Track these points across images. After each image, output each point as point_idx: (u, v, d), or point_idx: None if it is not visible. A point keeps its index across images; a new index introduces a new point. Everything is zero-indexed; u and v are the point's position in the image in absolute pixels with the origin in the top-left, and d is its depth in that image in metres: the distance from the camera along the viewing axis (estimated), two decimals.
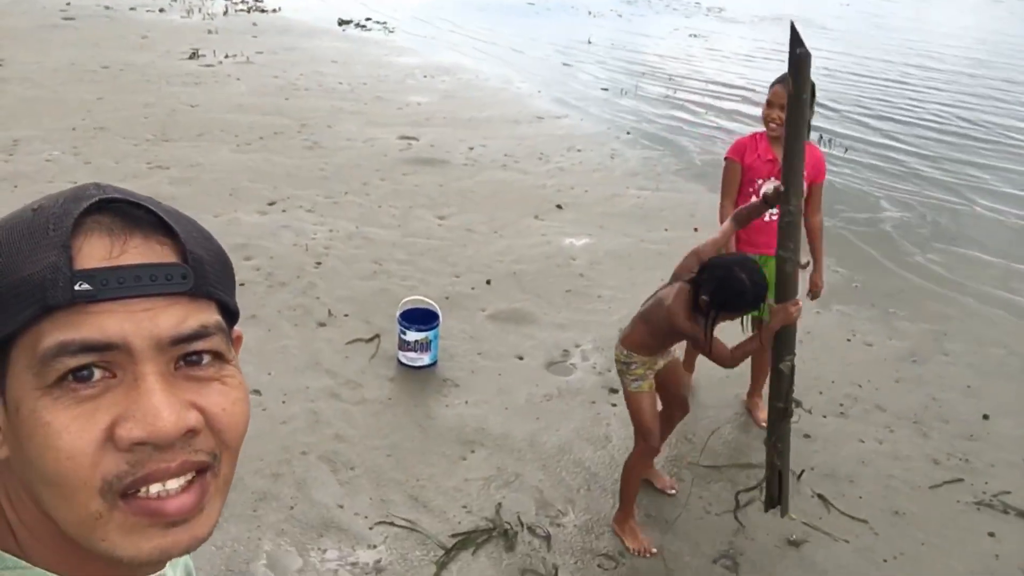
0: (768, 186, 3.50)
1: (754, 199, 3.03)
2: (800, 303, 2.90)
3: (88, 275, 0.58)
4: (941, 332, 4.96)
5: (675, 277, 3.02)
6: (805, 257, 2.91)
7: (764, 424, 3.78)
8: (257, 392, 3.89)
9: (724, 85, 11.15)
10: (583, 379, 4.21)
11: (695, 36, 15.40)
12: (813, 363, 4.49)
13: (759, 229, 3.61)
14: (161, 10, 14.30)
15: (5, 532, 0.65)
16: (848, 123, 9.51)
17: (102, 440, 0.58)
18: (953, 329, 5.01)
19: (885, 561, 3.17)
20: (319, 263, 5.27)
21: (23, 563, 0.64)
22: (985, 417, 4.13)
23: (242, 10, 14.91)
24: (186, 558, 0.81)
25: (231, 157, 7.22)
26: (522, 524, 3.22)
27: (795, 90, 2.60)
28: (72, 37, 11.73)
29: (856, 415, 4.11)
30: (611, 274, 5.39)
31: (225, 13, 14.42)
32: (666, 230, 6.17)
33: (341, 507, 3.25)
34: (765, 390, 4.02)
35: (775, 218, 3.56)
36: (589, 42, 14.21)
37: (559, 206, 6.56)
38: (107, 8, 14.01)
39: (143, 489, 0.60)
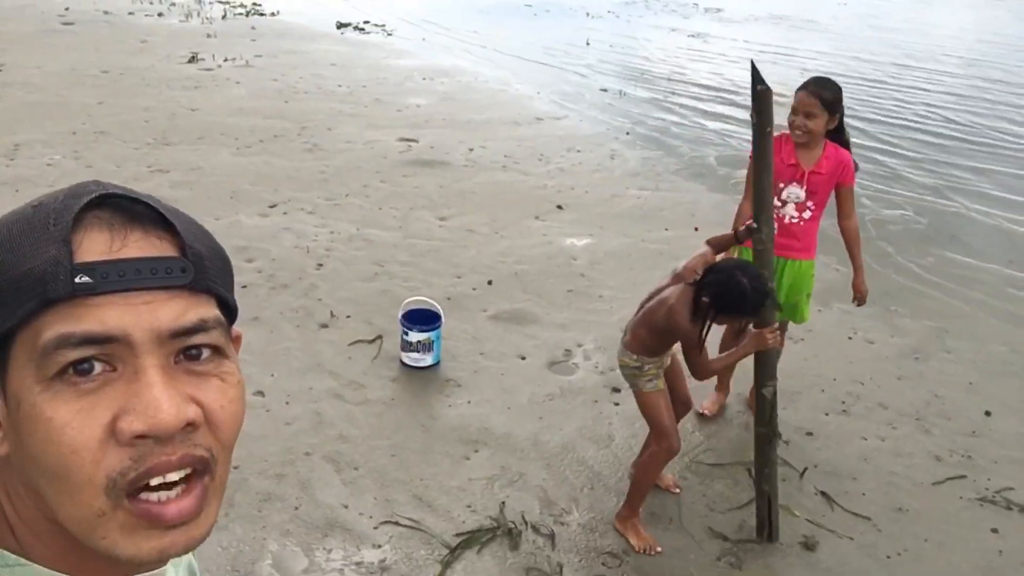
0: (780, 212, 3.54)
1: (747, 224, 3.02)
2: (776, 331, 2.98)
3: (88, 268, 0.58)
4: (943, 329, 4.97)
5: (675, 273, 3.06)
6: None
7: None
8: (260, 394, 3.90)
9: (722, 87, 11.18)
10: (585, 378, 4.22)
11: (693, 37, 15.43)
12: (815, 361, 4.50)
13: (779, 232, 3.49)
14: (160, 15, 14.32)
15: (4, 530, 0.65)
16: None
17: (105, 436, 0.59)
18: (955, 327, 5.02)
19: (888, 558, 3.18)
20: (320, 265, 5.28)
21: (23, 560, 0.64)
22: (987, 414, 4.14)
23: (240, 14, 14.94)
24: (189, 557, 0.81)
25: (231, 160, 7.23)
26: (526, 523, 3.23)
27: (760, 124, 2.72)
28: (72, 42, 11.74)
29: (858, 412, 4.12)
30: (612, 274, 5.40)
31: (224, 17, 14.44)
32: (666, 230, 6.18)
33: (345, 507, 3.25)
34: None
35: (795, 220, 3.58)
36: (587, 43, 14.23)
37: (559, 207, 6.57)
38: (106, 13, 14.03)
39: (145, 491, 0.61)
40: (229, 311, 0.68)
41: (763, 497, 3.18)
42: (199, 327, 0.63)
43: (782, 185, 3.58)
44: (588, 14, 17.57)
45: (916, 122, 9.92)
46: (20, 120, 7.94)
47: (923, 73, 12.93)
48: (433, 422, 3.82)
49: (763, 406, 3.11)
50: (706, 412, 3.96)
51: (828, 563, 3.14)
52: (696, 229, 6.04)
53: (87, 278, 0.58)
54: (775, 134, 3.71)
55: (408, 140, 8.06)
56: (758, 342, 2.97)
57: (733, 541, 3.21)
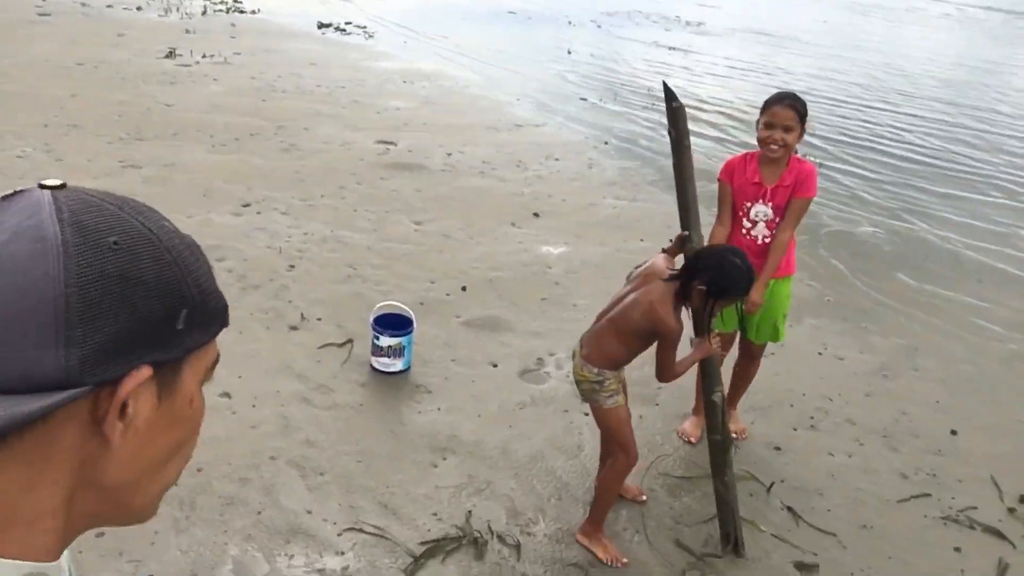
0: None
1: (679, 234, 3.08)
2: (719, 338, 3.00)
3: None
4: (912, 347, 5.00)
5: (632, 281, 3.04)
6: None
7: (734, 435, 3.80)
8: (227, 395, 3.84)
9: (700, 101, 11.23)
10: (557, 388, 4.20)
11: (674, 49, 15.50)
12: (785, 376, 4.51)
13: (754, 252, 3.51)
14: (138, 8, 14.16)
15: None
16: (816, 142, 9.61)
17: None
18: (924, 345, 5.06)
19: (852, 575, 3.19)
20: (293, 266, 5.23)
21: None
22: (953, 432, 4.17)
23: (221, 10, 14.81)
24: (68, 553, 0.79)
25: (206, 157, 7.15)
26: (492, 532, 3.20)
27: (676, 137, 2.89)
28: (48, 33, 11.59)
29: (826, 428, 4.13)
30: (587, 283, 5.39)
31: (203, 13, 14.31)
32: (642, 240, 6.19)
33: (309, 513, 3.21)
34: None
35: (768, 240, 3.57)
36: (569, 52, 14.25)
37: (536, 214, 6.56)
38: (83, 5, 13.86)
39: None
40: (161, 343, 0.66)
41: (725, 506, 3.19)
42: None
43: (748, 204, 3.56)
44: (570, 23, 17.59)
45: (879, 143, 10.01)
46: None
47: (895, 96, 13.08)
48: (402, 428, 3.79)
49: (714, 413, 3.12)
50: (692, 440, 3.89)
51: None
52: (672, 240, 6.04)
53: None
54: (741, 153, 3.74)
55: (386, 143, 8.02)
56: (704, 350, 3.01)
57: (699, 556, 3.20)
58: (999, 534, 3.48)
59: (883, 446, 4.03)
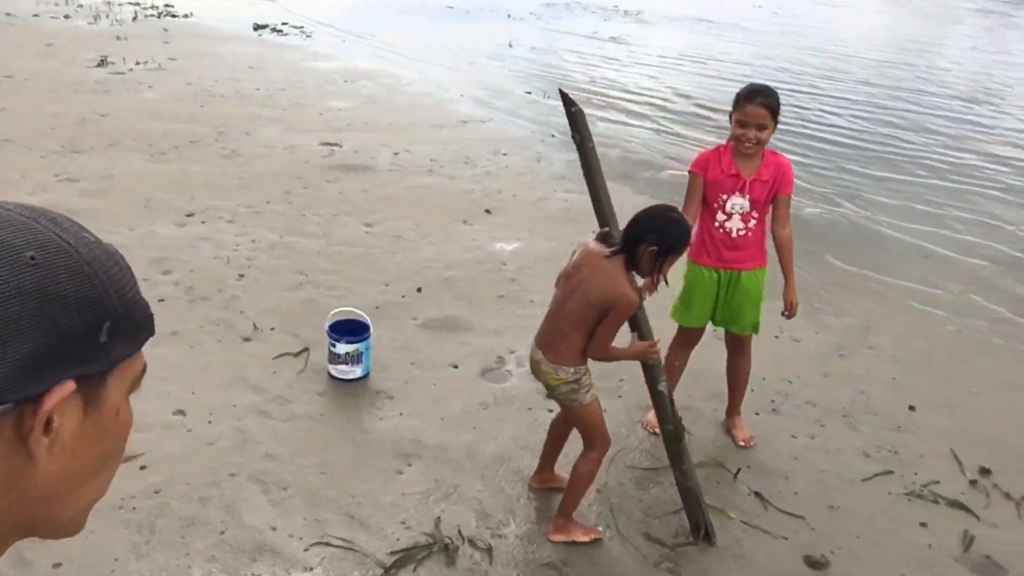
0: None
1: (599, 231, 3.12)
2: (658, 345, 3.04)
3: None
4: (865, 327, 5.07)
5: (570, 275, 3.01)
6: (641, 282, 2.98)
7: (743, 443, 3.81)
8: (181, 413, 3.73)
9: (641, 91, 11.28)
10: (519, 386, 4.17)
11: (614, 39, 15.54)
12: None
13: (727, 245, 3.57)
14: (66, 16, 13.74)
15: None
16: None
17: None
18: (877, 324, 5.13)
19: (823, 556, 3.21)
20: (242, 275, 5.11)
21: None
22: (911, 408, 4.23)
23: (152, 15, 14.44)
24: None
25: (145, 168, 6.96)
26: (463, 537, 3.15)
27: (580, 140, 3.02)
28: None
29: (787, 411, 4.16)
30: (542, 278, 5.35)
31: (134, 19, 13.94)
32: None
33: (274, 529, 3.13)
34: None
35: (743, 233, 3.57)
36: (510, 46, 14.20)
37: (487, 211, 6.51)
38: (8, 15, 13.40)
39: None
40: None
41: (689, 494, 3.19)
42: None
43: (724, 196, 3.55)
44: (510, 16, 17.53)
45: (808, 127, 10.16)
46: None
47: (822, 82, 13.29)
48: (364, 436, 3.72)
49: (663, 403, 3.12)
50: (657, 430, 3.87)
51: (765, 564, 3.15)
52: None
53: None
54: (716, 144, 3.73)
55: (330, 144, 7.89)
56: (643, 356, 3.03)
57: (670, 546, 3.20)
58: (963, 507, 3.54)
59: (844, 426, 4.07)
